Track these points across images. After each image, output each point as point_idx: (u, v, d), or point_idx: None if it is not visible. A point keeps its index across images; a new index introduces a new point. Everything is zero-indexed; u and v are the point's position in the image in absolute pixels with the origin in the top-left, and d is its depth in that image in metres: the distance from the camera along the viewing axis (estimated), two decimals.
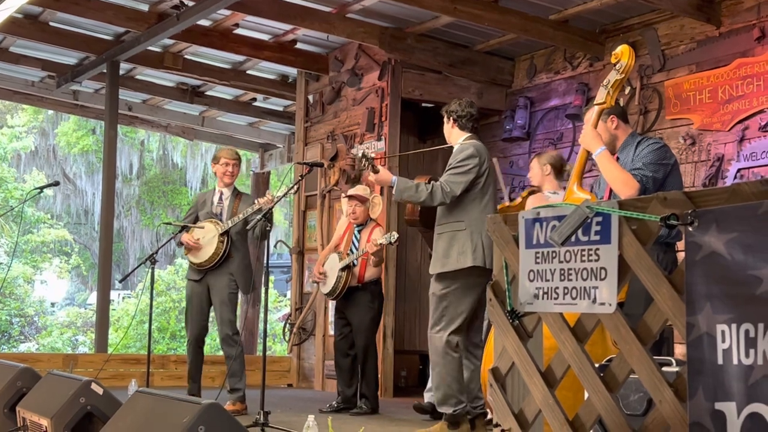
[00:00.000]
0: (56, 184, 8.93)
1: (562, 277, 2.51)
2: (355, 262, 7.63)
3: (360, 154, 5.93)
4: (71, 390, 4.99)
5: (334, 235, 8.15)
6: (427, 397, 7.35)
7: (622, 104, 8.32)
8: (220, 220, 7.38)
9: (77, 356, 10.13)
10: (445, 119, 6.25)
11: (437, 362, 5.79)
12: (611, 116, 5.15)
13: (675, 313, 2.17)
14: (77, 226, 23.75)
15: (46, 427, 4.99)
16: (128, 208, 22.13)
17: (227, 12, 9.34)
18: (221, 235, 7.24)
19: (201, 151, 20.85)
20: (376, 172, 5.91)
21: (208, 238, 7.32)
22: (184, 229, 7.52)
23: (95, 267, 24.37)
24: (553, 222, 2.53)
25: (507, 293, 2.72)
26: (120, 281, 10.64)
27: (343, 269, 7.62)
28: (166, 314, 16.60)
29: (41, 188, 8.58)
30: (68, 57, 11.31)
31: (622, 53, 4.86)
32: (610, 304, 2.35)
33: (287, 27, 9.84)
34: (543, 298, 2.56)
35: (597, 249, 2.40)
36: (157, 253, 7.77)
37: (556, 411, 2.51)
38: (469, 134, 6.17)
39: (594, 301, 2.41)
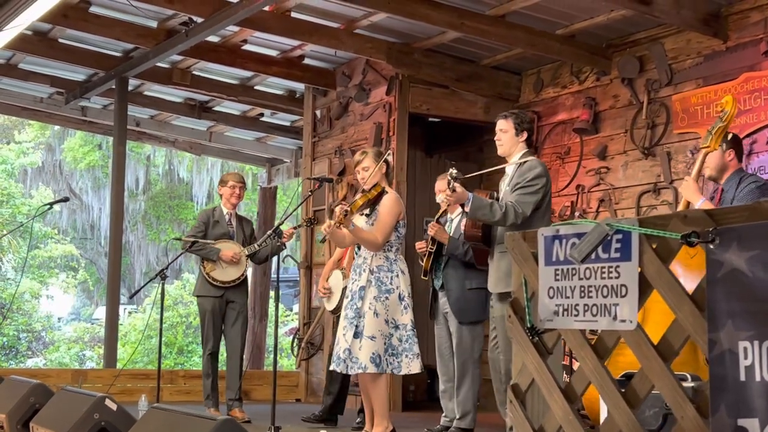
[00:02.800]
0: (66, 200, 9.02)
1: (582, 294, 2.53)
2: None
3: (453, 173, 5.85)
4: (85, 406, 5.02)
5: (337, 249, 8.14)
6: (457, 424, 7.26)
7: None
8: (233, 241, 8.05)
9: (86, 371, 10.15)
10: (514, 129, 6.17)
11: (503, 381, 5.73)
12: (730, 150, 5.70)
13: (696, 330, 2.19)
14: (83, 241, 23.80)
15: None
16: (134, 222, 22.19)
17: (235, 28, 9.38)
18: (247, 257, 7.95)
19: (207, 166, 20.92)
20: (453, 191, 5.84)
21: (240, 259, 7.98)
22: (195, 244, 7.82)
23: (101, 282, 24.42)
24: (572, 239, 2.56)
25: (527, 310, 2.74)
26: (130, 297, 10.65)
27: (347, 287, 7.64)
28: (173, 329, 16.64)
29: (51, 204, 8.67)
30: (77, 73, 11.37)
31: (726, 102, 5.43)
32: (631, 321, 2.37)
33: (295, 43, 9.89)
34: (563, 315, 2.59)
35: (617, 266, 2.43)
36: (167, 268, 7.97)
37: (576, 427, 2.53)
38: (529, 150, 6.19)
39: (615, 318, 2.43)
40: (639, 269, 2.36)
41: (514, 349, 2.81)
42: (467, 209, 5.85)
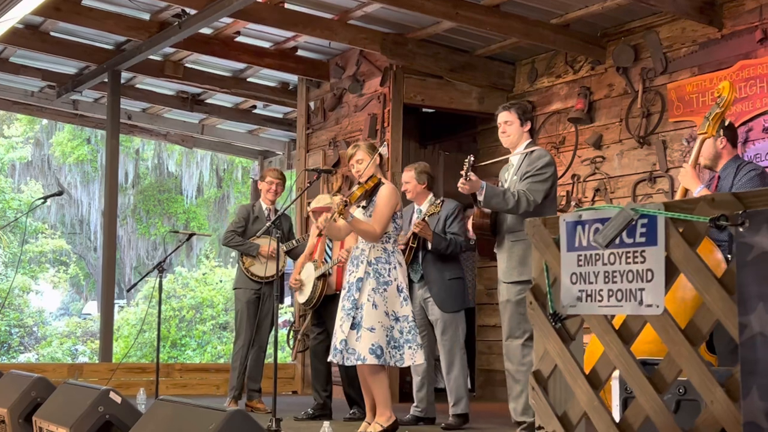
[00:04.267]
0: (60, 193, 8.97)
1: (606, 280, 2.52)
2: (330, 270, 7.64)
3: (469, 161, 5.85)
4: (89, 399, 4.98)
5: (308, 242, 8.12)
6: (452, 411, 7.35)
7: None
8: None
9: (82, 366, 10.12)
10: (518, 120, 6.18)
11: (518, 371, 5.74)
12: (722, 137, 5.61)
13: (726, 313, 2.19)
14: (72, 236, 23.70)
15: None
16: (124, 217, 22.09)
17: (229, 20, 9.35)
18: (285, 252, 8.06)
19: (197, 159, 20.87)
20: (469, 179, 5.81)
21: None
22: (234, 238, 7.93)
23: (90, 277, 24.33)
24: (596, 225, 2.55)
25: (548, 296, 2.74)
26: (128, 290, 10.63)
27: (318, 278, 7.63)
28: (166, 323, 16.58)
29: (46, 197, 8.60)
30: (68, 67, 11.32)
31: (723, 88, 5.40)
32: (658, 306, 2.37)
33: (288, 34, 9.86)
34: (586, 301, 2.58)
35: (643, 251, 2.42)
36: (165, 261, 7.99)
37: (602, 413, 2.53)
38: (532, 140, 6.23)
39: (641, 303, 2.42)
40: (665, 253, 2.36)
41: (536, 336, 2.80)
42: (480, 197, 5.85)
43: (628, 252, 2.47)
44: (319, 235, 7.84)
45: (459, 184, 5.87)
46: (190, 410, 4.16)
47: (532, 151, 6.09)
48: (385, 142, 9.48)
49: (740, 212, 2.13)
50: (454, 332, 7.33)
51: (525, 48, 9.64)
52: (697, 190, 5.32)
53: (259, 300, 8.15)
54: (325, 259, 7.72)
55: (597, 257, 2.56)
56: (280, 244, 8.04)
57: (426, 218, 7.25)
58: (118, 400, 5.02)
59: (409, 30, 9.40)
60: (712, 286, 2.23)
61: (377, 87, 9.80)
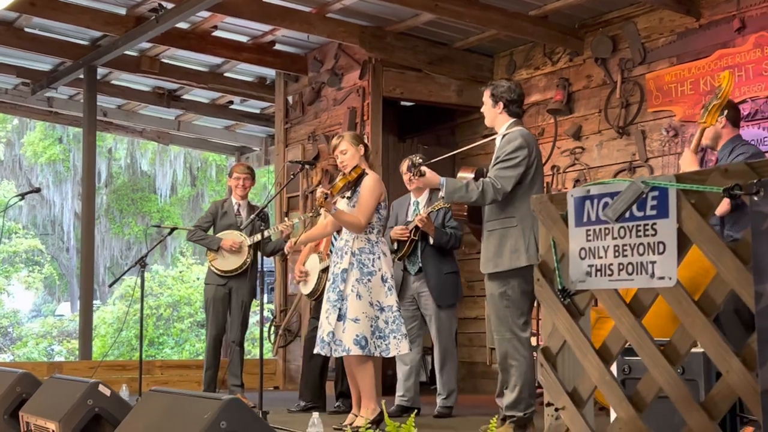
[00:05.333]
0: (38, 190, 8.89)
1: (617, 254, 2.52)
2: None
3: (415, 160, 5.74)
4: (78, 392, 4.94)
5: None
6: (443, 403, 7.42)
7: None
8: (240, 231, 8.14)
9: (62, 364, 10.04)
10: (491, 101, 5.84)
11: (510, 365, 5.67)
12: (722, 116, 5.67)
13: (741, 283, 2.19)
14: (44, 236, 23.49)
15: (53, 431, 4.93)
16: (97, 216, 21.89)
17: (206, 14, 9.29)
18: (249, 246, 8.03)
19: (170, 158, 20.73)
20: (422, 175, 5.67)
21: (241, 248, 8.09)
22: (173, 231, 7.98)
23: (63, 278, 24.11)
24: (605, 199, 2.55)
25: (557, 272, 2.73)
26: (110, 285, 10.54)
27: (324, 270, 7.61)
28: (143, 321, 16.48)
29: (23, 195, 8.51)
30: (43, 63, 11.20)
31: (723, 78, 5.42)
32: (670, 278, 2.37)
33: (266, 28, 9.82)
34: (596, 276, 2.57)
35: (654, 224, 2.41)
36: (146, 256, 7.94)
37: (613, 387, 2.52)
38: (515, 120, 5.85)
39: (652, 275, 2.42)
40: (677, 225, 2.36)
41: (544, 312, 2.80)
42: (442, 194, 5.74)
43: (639, 225, 2.47)
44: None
45: (414, 183, 5.79)
46: (183, 400, 4.12)
47: (506, 134, 5.80)
48: (365, 135, 9.46)
49: (755, 181, 2.13)
50: (448, 328, 7.41)
51: (503, 40, 9.65)
52: None
53: (228, 295, 8.16)
54: (330, 251, 7.70)
55: (606, 231, 2.56)
56: (248, 237, 8.07)
57: (429, 213, 7.25)
58: (108, 393, 4.99)
59: (387, 23, 9.38)
60: (725, 256, 2.23)
61: (356, 80, 9.78)
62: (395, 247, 7.41)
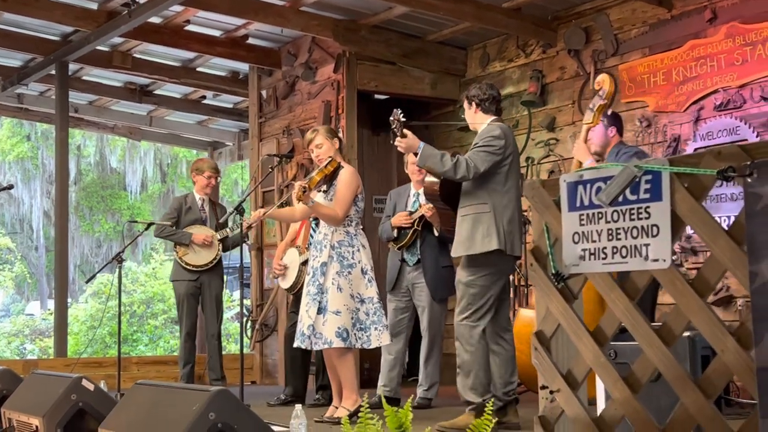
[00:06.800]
0: (11, 187, 8.80)
1: (610, 237, 2.55)
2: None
3: (399, 117, 5.72)
4: (61, 388, 4.90)
5: (290, 228, 8.13)
6: (423, 394, 7.49)
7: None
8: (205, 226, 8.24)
9: (37, 361, 9.99)
10: (467, 105, 6.07)
11: (466, 350, 5.74)
12: (612, 127, 6.51)
13: (735, 264, 2.23)
14: (13, 235, 23.27)
15: (37, 427, 4.90)
16: None
17: (179, 8, 9.23)
18: (219, 240, 8.16)
19: (140, 154, 20.61)
20: (403, 136, 5.71)
21: (212, 242, 8.19)
22: (150, 226, 8.03)
23: (33, 276, 23.90)
24: (597, 184, 2.58)
25: (550, 257, 2.76)
26: (86, 282, 10.48)
27: (303, 263, 7.61)
28: (116, 319, 16.43)
29: None
30: (12, 59, 11.09)
31: (604, 81, 5.94)
32: (665, 260, 2.40)
33: (239, 22, 9.78)
34: (589, 259, 2.61)
35: (647, 207, 2.45)
36: (123, 252, 7.97)
37: (608, 368, 2.56)
38: (494, 117, 6.01)
39: (646, 258, 2.46)
40: (671, 208, 2.39)
41: (537, 297, 2.83)
42: (417, 158, 5.78)
43: (632, 209, 2.51)
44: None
45: (395, 142, 5.84)
46: (171, 392, 4.11)
47: (485, 128, 5.96)
48: (340, 129, 9.47)
49: (748, 163, 2.17)
50: (439, 322, 7.48)
51: (476, 32, 9.69)
52: (587, 162, 5.80)
53: (198, 290, 8.23)
54: (309, 244, 7.70)
55: (600, 216, 2.60)
56: (215, 232, 8.12)
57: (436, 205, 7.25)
58: (91, 387, 4.96)
59: (361, 16, 9.39)
60: (719, 237, 2.27)
61: (330, 74, 9.78)
62: (395, 236, 7.43)
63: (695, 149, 7.92)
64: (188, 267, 8.14)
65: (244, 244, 8.52)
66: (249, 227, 7.92)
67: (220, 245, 8.21)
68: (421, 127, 10.93)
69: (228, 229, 8.18)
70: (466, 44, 10.11)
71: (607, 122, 6.50)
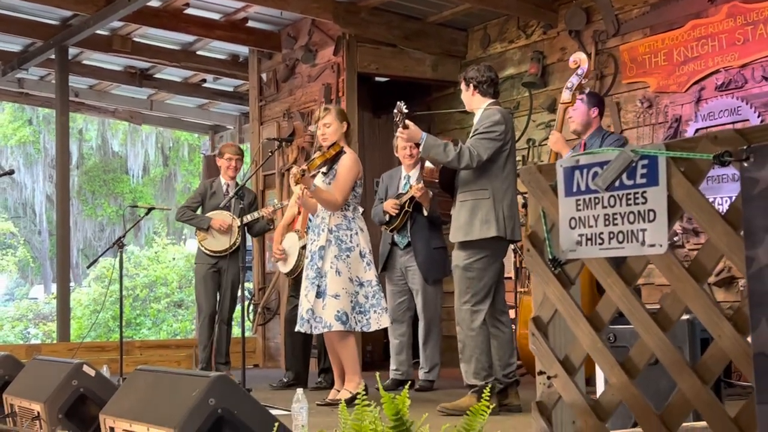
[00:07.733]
0: (12, 172, 8.81)
1: (607, 222, 2.55)
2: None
3: (402, 108, 5.71)
4: (63, 373, 4.93)
5: (287, 212, 8.12)
6: (425, 377, 7.57)
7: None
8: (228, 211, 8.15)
9: (40, 346, 10.00)
10: (464, 86, 6.04)
11: (467, 335, 5.76)
12: (594, 107, 6.43)
13: (731, 248, 2.22)
14: (16, 219, 23.31)
15: (38, 412, 4.92)
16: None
17: None
18: (242, 226, 7.91)
19: (141, 138, 20.60)
20: (406, 128, 5.70)
21: (230, 228, 8.17)
22: (150, 210, 8.05)
23: (36, 260, 23.95)
24: (594, 168, 2.57)
25: (547, 242, 2.76)
26: (88, 267, 10.50)
27: (303, 247, 7.61)
28: (119, 302, 16.45)
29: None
30: (12, 44, 11.08)
31: (582, 60, 6.04)
32: (661, 245, 2.40)
33: (238, 5, 9.76)
34: (587, 245, 2.60)
35: (644, 192, 2.44)
36: (124, 236, 7.99)
37: (605, 354, 2.56)
38: (492, 100, 5.99)
39: (643, 243, 2.45)
40: (667, 193, 2.38)
41: (534, 282, 2.83)
42: (421, 148, 5.79)
43: (629, 194, 2.49)
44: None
45: (397, 133, 5.84)
46: (171, 378, 4.12)
47: (485, 111, 5.95)
48: None
49: (744, 147, 2.16)
50: (434, 302, 7.51)
51: (477, 14, 9.66)
52: (568, 154, 5.63)
53: (218, 274, 8.18)
54: (307, 228, 7.71)
55: (596, 201, 2.58)
56: (237, 218, 8.06)
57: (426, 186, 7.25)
58: (92, 373, 4.98)
59: None
60: (716, 222, 2.26)
61: (330, 56, 9.75)
62: (387, 219, 7.44)
63: (696, 130, 7.91)
64: (207, 252, 8.16)
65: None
66: (273, 212, 8.05)
67: (239, 232, 8.15)
68: (423, 109, 10.94)
69: (249, 216, 8.11)
70: (466, 26, 10.08)
71: (588, 101, 6.46)
